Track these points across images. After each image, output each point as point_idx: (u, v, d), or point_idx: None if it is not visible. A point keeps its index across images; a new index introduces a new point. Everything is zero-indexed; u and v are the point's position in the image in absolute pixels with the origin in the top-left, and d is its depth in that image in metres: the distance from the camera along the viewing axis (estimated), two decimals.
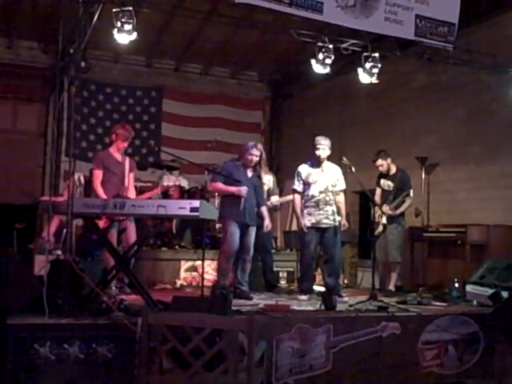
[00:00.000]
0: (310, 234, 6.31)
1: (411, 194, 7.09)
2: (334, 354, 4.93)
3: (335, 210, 6.37)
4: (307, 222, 6.33)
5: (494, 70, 7.25)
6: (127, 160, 6.31)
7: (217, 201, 8.57)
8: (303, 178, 6.43)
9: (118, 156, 6.22)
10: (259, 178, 6.42)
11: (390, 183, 7.30)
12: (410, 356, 5.21)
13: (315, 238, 6.34)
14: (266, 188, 7.02)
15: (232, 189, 6.14)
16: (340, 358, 4.94)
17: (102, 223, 5.71)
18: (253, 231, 6.25)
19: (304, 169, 6.48)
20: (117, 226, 6.03)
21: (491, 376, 5.21)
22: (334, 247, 6.37)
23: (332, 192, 6.40)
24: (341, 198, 6.52)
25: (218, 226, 7.93)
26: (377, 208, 7.05)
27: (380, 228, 7.15)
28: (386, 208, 7.16)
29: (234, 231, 6.08)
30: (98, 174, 6.04)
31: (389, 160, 7.34)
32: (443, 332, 5.34)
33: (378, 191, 7.43)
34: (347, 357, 4.97)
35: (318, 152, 6.36)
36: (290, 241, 8.34)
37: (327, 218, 6.33)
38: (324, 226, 6.32)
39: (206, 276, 6.79)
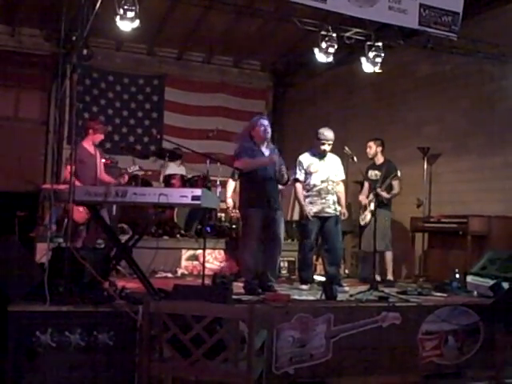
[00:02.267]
0: (312, 223, 6.32)
1: (399, 174, 7.04)
2: (335, 344, 4.95)
3: (336, 199, 6.40)
4: (309, 211, 6.34)
5: (498, 60, 7.21)
6: (98, 151, 6.76)
7: (218, 190, 8.59)
8: (305, 167, 6.44)
9: (91, 149, 6.65)
10: (278, 151, 6.00)
11: (377, 172, 7.39)
12: (410, 346, 5.23)
13: (316, 227, 6.34)
14: None
15: (263, 159, 5.73)
16: (340, 347, 4.96)
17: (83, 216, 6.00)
18: (280, 217, 5.82)
19: (305, 158, 6.48)
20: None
21: (491, 367, 5.21)
22: (335, 237, 6.38)
23: (333, 181, 6.42)
24: (340, 187, 6.57)
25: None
26: (363, 198, 7.40)
27: (368, 217, 7.24)
28: (378, 191, 7.17)
29: (257, 222, 5.63)
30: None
31: (379, 148, 7.45)
32: (443, 322, 5.35)
33: (366, 185, 7.51)
34: (347, 346, 4.99)
35: (323, 147, 6.36)
36: (291, 231, 8.34)
37: (329, 207, 6.35)
38: (326, 215, 6.33)
39: (207, 265, 6.81)
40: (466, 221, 7.16)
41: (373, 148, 7.43)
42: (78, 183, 6.29)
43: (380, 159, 7.46)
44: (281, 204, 6.05)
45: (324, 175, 6.39)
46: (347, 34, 6.80)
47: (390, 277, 7.21)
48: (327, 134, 6.36)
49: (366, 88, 9.56)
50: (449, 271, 6.66)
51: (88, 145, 6.65)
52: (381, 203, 6.96)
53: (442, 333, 5.36)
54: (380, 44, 6.77)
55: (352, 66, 8.58)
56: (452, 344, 5.40)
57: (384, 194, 7.14)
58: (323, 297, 5.36)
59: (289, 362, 4.80)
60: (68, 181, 6.24)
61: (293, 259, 7.77)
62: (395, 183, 7.23)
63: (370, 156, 7.46)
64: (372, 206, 7.11)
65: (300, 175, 6.45)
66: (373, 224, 7.05)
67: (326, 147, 6.37)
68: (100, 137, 6.71)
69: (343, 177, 6.60)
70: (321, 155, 6.43)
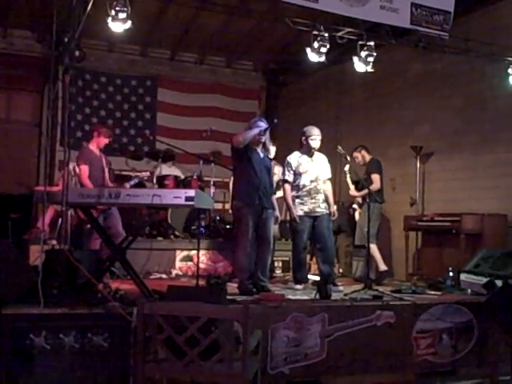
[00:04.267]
0: (303, 223, 6.32)
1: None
2: (329, 343, 4.96)
3: (324, 198, 6.41)
4: (299, 210, 6.35)
5: (489, 59, 7.23)
6: (103, 155, 6.87)
7: (212, 190, 8.59)
8: (293, 168, 6.43)
9: (97, 152, 6.75)
10: (270, 159, 6.14)
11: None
12: (404, 345, 5.25)
13: (308, 226, 6.35)
14: (276, 179, 6.95)
15: (256, 129, 5.78)
16: (335, 346, 4.97)
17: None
18: (271, 216, 5.85)
19: (294, 159, 6.47)
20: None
21: (485, 364, 5.23)
22: (326, 235, 6.39)
23: (321, 181, 6.44)
24: (328, 186, 6.58)
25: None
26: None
27: (356, 213, 7.54)
28: (350, 192, 7.57)
29: (251, 223, 5.64)
30: (85, 169, 6.50)
31: (363, 152, 7.59)
32: (437, 321, 5.37)
33: None
34: (342, 345, 5.00)
35: (312, 143, 6.37)
36: (285, 230, 8.34)
37: (319, 206, 6.38)
38: (317, 214, 6.35)
39: (201, 265, 6.80)
40: (459, 219, 7.19)
41: (359, 156, 7.59)
42: (91, 185, 6.41)
43: (366, 159, 7.59)
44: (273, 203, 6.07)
45: (313, 175, 6.40)
46: (339, 34, 6.79)
47: (381, 268, 7.24)
48: (312, 129, 6.41)
49: (358, 87, 9.58)
50: (442, 269, 6.69)
51: (93, 147, 6.76)
52: (371, 198, 7.01)
53: (436, 331, 5.38)
54: (372, 43, 6.77)
55: (344, 65, 8.60)
56: (446, 342, 5.42)
57: (354, 193, 7.50)
58: (318, 296, 5.37)
59: (284, 362, 4.81)
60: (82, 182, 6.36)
61: (287, 259, 7.77)
62: (374, 177, 7.31)
63: (361, 164, 7.57)
64: (354, 205, 7.57)
65: (289, 176, 6.44)
66: (360, 220, 7.26)
67: (314, 143, 6.38)
68: (104, 141, 6.79)
69: (330, 175, 6.63)
70: (309, 154, 6.43)
